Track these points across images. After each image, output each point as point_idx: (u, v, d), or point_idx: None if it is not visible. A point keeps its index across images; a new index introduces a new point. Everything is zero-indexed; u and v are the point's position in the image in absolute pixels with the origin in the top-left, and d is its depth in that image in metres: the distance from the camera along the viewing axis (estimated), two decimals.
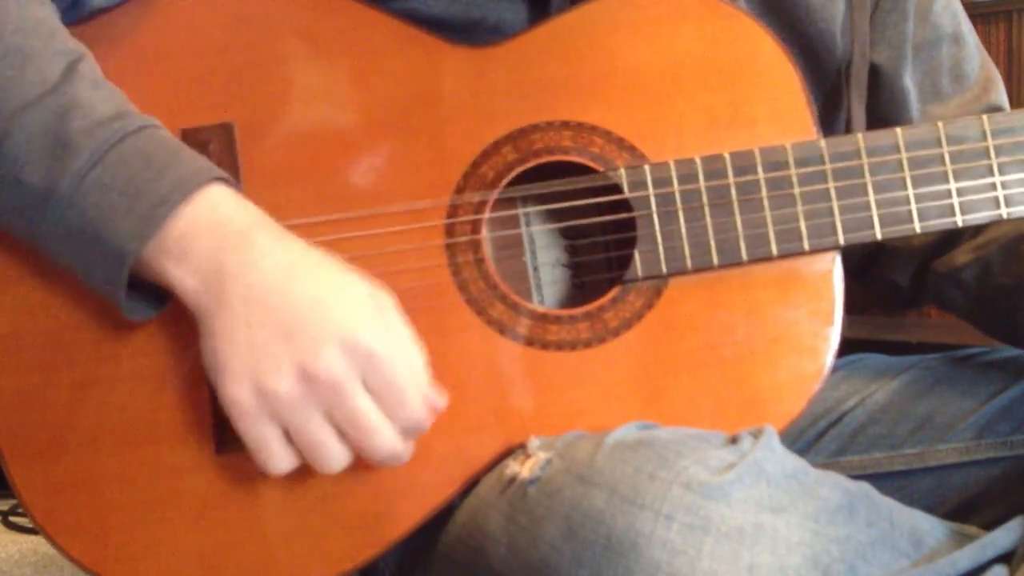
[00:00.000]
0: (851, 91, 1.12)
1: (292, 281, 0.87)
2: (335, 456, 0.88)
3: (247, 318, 0.87)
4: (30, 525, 2.05)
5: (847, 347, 1.05)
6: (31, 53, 0.89)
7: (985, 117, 1.00)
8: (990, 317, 1.15)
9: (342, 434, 0.88)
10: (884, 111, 1.15)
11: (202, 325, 0.89)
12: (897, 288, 1.21)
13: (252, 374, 0.86)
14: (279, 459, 0.88)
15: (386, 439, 0.88)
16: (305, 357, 0.86)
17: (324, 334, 0.86)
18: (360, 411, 0.87)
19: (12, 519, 2.11)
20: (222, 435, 0.95)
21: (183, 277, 0.88)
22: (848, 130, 1.11)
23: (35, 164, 0.87)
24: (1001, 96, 1.18)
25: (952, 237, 1.15)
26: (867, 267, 1.21)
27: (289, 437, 0.88)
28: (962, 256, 1.15)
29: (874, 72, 1.15)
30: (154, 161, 0.88)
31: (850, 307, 1.04)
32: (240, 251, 0.88)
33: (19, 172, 0.88)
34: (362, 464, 0.91)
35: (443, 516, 0.96)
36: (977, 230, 1.13)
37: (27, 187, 0.88)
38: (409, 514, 0.95)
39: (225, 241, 0.88)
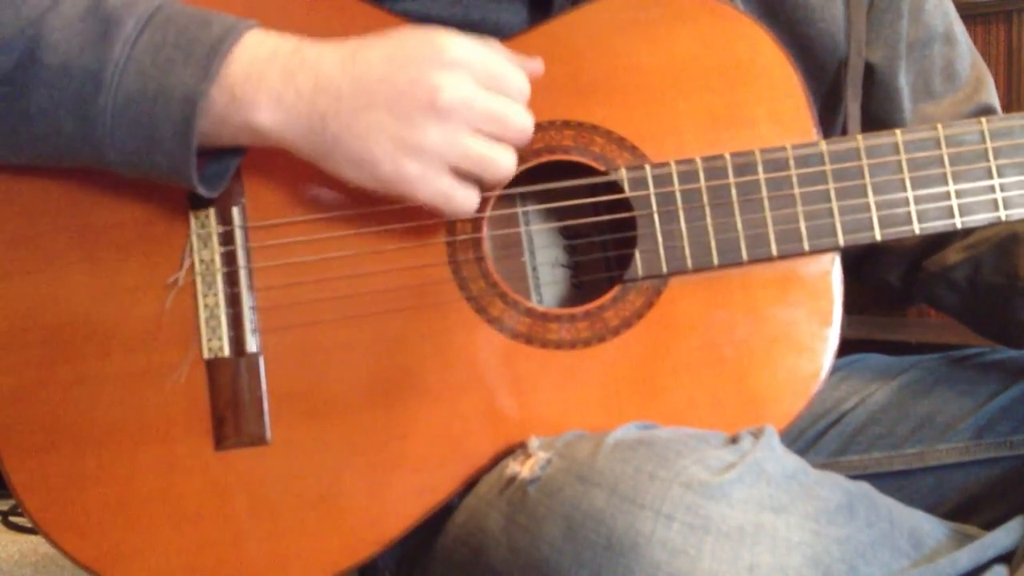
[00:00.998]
0: (847, 90, 1.12)
1: (357, 62, 0.91)
2: (503, 157, 0.93)
3: (352, 112, 0.90)
4: (30, 525, 2.05)
5: (847, 347, 1.05)
6: None
7: (984, 120, 1.01)
8: (980, 316, 1.16)
9: (491, 134, 0.92)
10: (877, 110, 1.15)
11: (316, 150, 0.91)
12: (889, 287, 1.21)
13: (399, 148, 0.90)
14: (466, 198, 0.93)
15: (520, 115, 0.93)
16: (422, 99, 0.90)
17: (420, 72, 0.90)
18: (492, 106, 0.92)
19: (12, 519, 2.12)
20: (220, 432, 0.95)
21: (268, 118, 0.90)
22: (845, 129, 1.11)
23: (81, 45, 0.89)
24: (992, 95, 1.18)
25: (944, 237, 1.15)
26: (859, 265, 1.21)
27: (459, 171, 0.92)
28: (953, 255, 1.15)
29: (869, 71, 1.15)
30: (197, 15, 0.91)
31: (850, 307, 1.05)
32: (302, 69, 0.91)
33: (66, 57, 0.89)
34: (362, 461, 0.91)
35: (443, 516, 0.96)
36: (969, 229, 1.13)
37: (77, 69, 0.89)
38: (408, 513, 0.95)
39: (286, 65, 0.91)
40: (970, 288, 1.14)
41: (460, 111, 0.90)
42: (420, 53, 0.91)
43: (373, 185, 0.91)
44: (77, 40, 0.89)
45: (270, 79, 0.90)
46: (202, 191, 0.92)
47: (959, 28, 1.19)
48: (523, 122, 0.93)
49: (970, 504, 1.09)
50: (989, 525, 0.90)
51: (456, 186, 0.92)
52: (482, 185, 0.94)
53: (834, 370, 1.01)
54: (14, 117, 0.91)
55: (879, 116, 1.14)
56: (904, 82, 1.15)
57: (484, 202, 0.98)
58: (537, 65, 0.96)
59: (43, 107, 0.90)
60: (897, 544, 0.86)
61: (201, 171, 0.91)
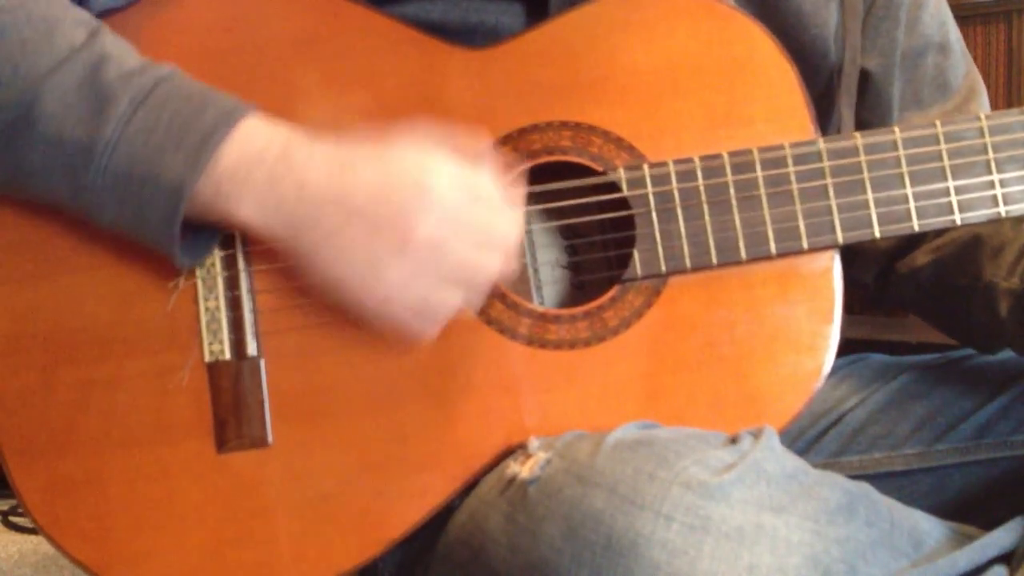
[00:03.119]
0: (841, 96, 1.12)
1: (345, 179, 0.90)
2: (462, 301, 0.92)
3: (328, 232, 0.90)
4: (30, 525, 2.05)
5: (847, 347, 1.05)
6: (54, 20, 0.91)
7: (983, 115, 1.01)
8: (946, 316, 1.16)
9: (455, 281, 0.91)
10: (868, 116, 1.15)
11: (292, 250, 0.91)
12: (863, 287, 1.22)
13: (363, 274, 0.90)
14: (424, 329, 0.93)
15: (492, 266, 0.92)
16: (399, 237, 0.89)
17: (400, 207, 0.90)
18: (465, 258, 0.91)
19: (12, 519, 2.12)
20: (222, 434, 0.95)
21: (249, 215, 0.90)
22: (837, 132, 1.11)
23: (75, 118, 0.89)
24: (983, 106, 1.18)
25: (915, 239, 1.16)
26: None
27: (417, 309, 0.92)
28: (922, 257, 1.15)
29: (864, 78, 1.15)
30: (192, 100, 0.90)
31: (850, 307, 1.05)
32: (288, 176, 0.90)
33: (59, 129, 0.89)
34: (363, 462, 0.91)
35: (443, 516, 0.96)
36: (939, 232, 1.14)
37: (70, 142, 0.89)
38: (409, 514, 0.96)
39: (273, 169, 0.90)
40: (936, 289, 1.14)
41: (429, 256, 0.90)
42: (406, 187, 0.90)
43: (338, 301, 0.92)
44: (72, 112, 0.89)
45: (255, 180, 0.90)
46: (184, 263, 0.93)
47: (955, 36, 1.19)
48: (489, 276, 0.92)
49: (970, 504, 1.09)
50: (989, 525, 0.90)
51: (412, 320, 0.92)
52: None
53: (834, 370, 1.01)
54: (10, 171, 0.92)
55: (868, 122, 1.14)
56: (895, 91, 1.16)
57: None
58: (519, 195, 0.95)
59: (36, 170, 0.90)
60: (897, 544, 0.86)
61: (186, 239, 0.92)
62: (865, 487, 0.89)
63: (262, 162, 0.90)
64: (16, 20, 0.90)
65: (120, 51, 0.92)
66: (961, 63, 1.18)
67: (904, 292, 1.18)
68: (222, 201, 0.90)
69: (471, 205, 0.91)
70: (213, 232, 0.94)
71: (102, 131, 0.88)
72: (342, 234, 0.90)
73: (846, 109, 1.12)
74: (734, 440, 0.88)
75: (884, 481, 1.08)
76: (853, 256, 1.18)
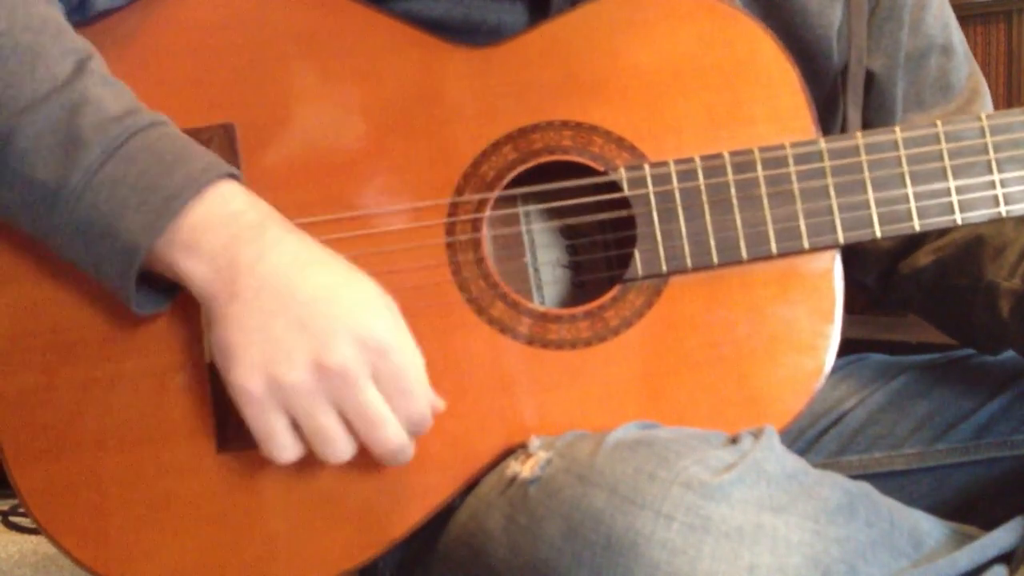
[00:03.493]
0: (847, 96, 1.12)
1: (304, 273, 0.88)
2: (341, 447, 0.88)
3: (260, 308, 0.87)
4: (30, 525, 2.06)
5: (847, 347, 1.05)
6: (40, 51, 0.89)
7: (983, 115, 1.00)
8: (948, 317, 1.16)
9: (349, 425, 0.88)
10: (871, 116, 1.15)
11: (212, 314, 0.89)
12: (864, 288, 1.22)
13: (264, 364, 0.87)
14: (285, 448, 0.89)
15: (392, 432, 0.89)
16: (318, 348, 0.86)
17: (337, 325, 0.87)
18: (369, 402, 0.87)
19: (12, 519, 2.12)
20: (223, 433, 0.95)
21: (194, 268, 0.88)
22: (843, 132, 1.11)
23: (45, 160, 0.88)
24: (986, 107, 1.18)
25: (917, 239, 1.16)
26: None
27: (296, 427, 0.88)
28: (923, 257, 1.15)
29: (868, 79, 1.15)
30: (165, 157, 0.89)
31: (850, 307, 1.05)
32: (252, 244, 0.88)
33: (29, 168, 0.88)
34: (363, 462, 0.91)
35: (444, 516, 0.96)
36: (941, 232, 1.13)
37: (37, 183, 0.88)
38: (410, 514, 0.96)
39: (238, 235, 0.88)
40: (938, 289, 1.14)
41: (335, 382, 0.86)
42: (351, 310, 0.88)
43: (224, 376, 0.89)
44: (43, 154, 0.88)
45: (215, 236, 0.88)
46: (143, 313, 0.92)
47: (958, 38, 1.19)
48: (389, 437, 0.89)
49: (970, 504, 1.09)
50: (989, 525, 0.90)
51: (281, 434, 0.88)
52: (308, 449, 0.90)
53: (834, 370, 1.01)
54: None
55: (871, 123, 1.14)
56: (899, 92, 1.16)
57: (483, 203, 0.99)
58: (440, 406, 0.92)
59: (5, 203, 0.90)
60: (897, 544, 0.86)
61: (141, 292, 0.91)
62: (865, 487, 0.89)
63: (229, 224, 0.88)
64: (2, 48, 0.88)
65: (104, 92, 0.90)
66: (964, 65, 1.18)
67: (906, 293, 1.18)
68: (173, 251, 0.88)
69: (406, 364, 0.89)
70: (171, 290, 0.93)
71: (69, 178, 0.87)
72: (264, 319, 0.87)
73: (852, 109, 1.12)
74: (734, 440, 0.88)
75: (884, 481, 1.08)
76: (854, 257, 1.18)
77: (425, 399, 0.90)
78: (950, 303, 1.13)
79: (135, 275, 0.88)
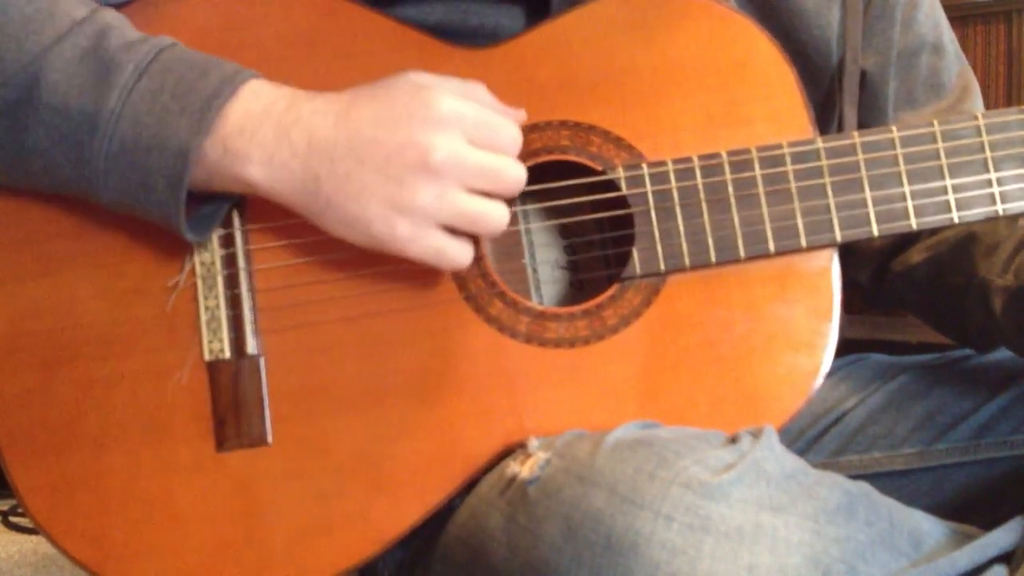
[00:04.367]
0: (843, 96, 1.12)
1: (352, 118, 0.91)
2: (496, 212, 0.93)
3: (345, 173, 0.90)
4: (30, 525, 2.05)
5: (847, 347, 1.05)
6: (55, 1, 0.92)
7: (979, 114, 1.01)
8: (941, 315, 1.16)
9: (483, 190, 0.92)
10: (863, 115, 1.15)
11: (308, 206, 0.92)
12: (857, 287, 1.22)
13: (391, 209, 0.90)
14: (460, 252, 0.93)
15: (511, 170, 0.94)
16: (414, 158, 0.90)
17: (412, 131, 0.91)
18: (483, 162, 0.92)
19: (12, 519, 2.12)
20: (222, 433, 0.95)
21: (262, 171, 0.91)
22: (839, 132, 1.11)
23: (79, 87, 0.89)
24: (977, 105, 1.18)
25: (910, 237, 1.16)
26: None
27: (451, 228, 0.92)
28: (916, 255, 1.15)
29: (861, 77, 1.15)
30: (196, 65, 0.91)
31: (849, 307, 1.05)
32: (296, 125, 0.91)
33: (63, 99, 0.89)
34: (363, 464, 0.91)
35: (444, 516, 0.96)
36: (933, 231, 1.14)
37: (74, 111, 0.89)
38: (409, 513, 0.95)
39: (280, 121, 0.91)
40: (931, 287, 1.14)
41: (451, 169, 0.90)
42: (410, 111, 0.91)
43: (367, 243, 0.92)
44: (76, 82, 0.89)
45: (263, 135, 0.91)
46: (190, 237, 0.93)
47: (948, 37, 1.19)
48: (515, 174, 0.93)
49: (970, 504, 1.09)
50: (989, 525, 0.90)
51: (449, 242, 0.92)
52: (476, 238, 0.94)
53: (834, 370, 1.01)
54: (12, 151, 0.92)
55: (863, 122, 1.14)
56: (890, 90, 1.16)
57: None
58: (521, 115, 0.97)
59: (40, 145, 0.91)
60: (897, 544, 0.86)
61: (191, 214, 0.92)
62: (865, 487, 0.89)
63: (268, 116, 0.91)
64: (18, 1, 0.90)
65: (121, 24, 0.93)
66: (954, 63, 1.18)
67: (899, 291, 1.18)
68: (230, 161, 0.90)
69: (476, 111, 0.92)
70: (219, 205, 0.95)
71: (106, 99, 0.89)
72: (358, 175, 0.90)
73: (848, 109, 1.12)
74: (734, 440, 0.88)
75: (884, 481, 1.08)
76: (848, 256, 1.18)
77: (511, 125, 0.94)
78: (943, 301, 1.14)
79: (187, 183, 0.90)
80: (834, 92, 1.13)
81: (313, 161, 0.91)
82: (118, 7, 0.99)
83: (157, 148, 0.89)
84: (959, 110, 1.16)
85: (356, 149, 0.91)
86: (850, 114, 1.12)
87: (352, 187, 0.90)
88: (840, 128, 1.12)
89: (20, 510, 2.11)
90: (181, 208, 0.91)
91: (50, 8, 0.91)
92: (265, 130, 0.91)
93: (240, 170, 0.91)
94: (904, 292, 1.18)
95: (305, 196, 0.91)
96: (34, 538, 2.01)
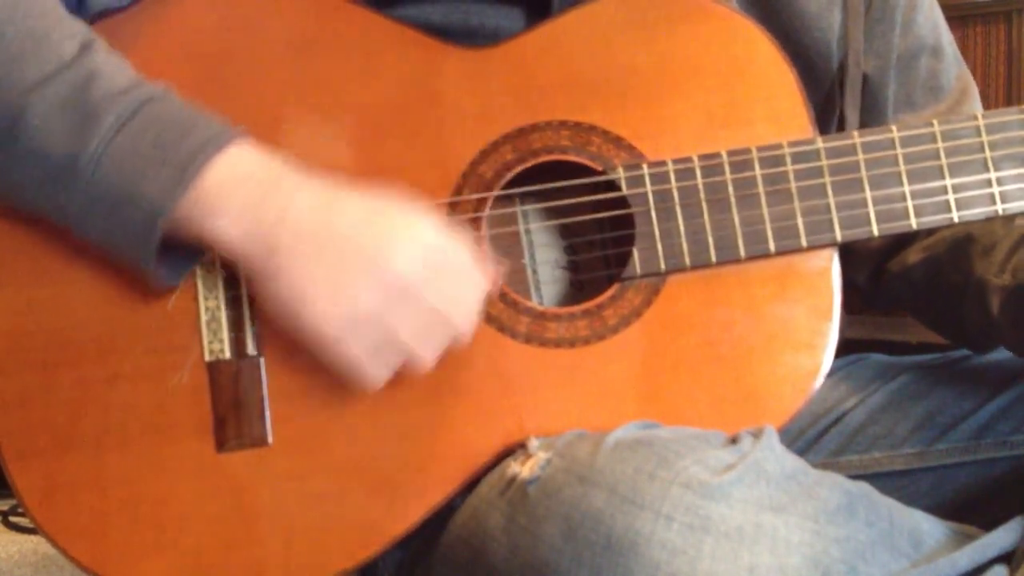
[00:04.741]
0: (845, 98, 1.12)
1: (333, 209, 0.90)
2: (426, 356, 0.92)
3: (303, 255, 0.89)
4: (30, 525, 2.05)
5: (847, 347, 1.05)
6: (44, 34, 0.90)
7: (979, 114, 1.01)
8: (939, 314, 1.16)
9: (427, 329, 0.91)
10: (863, 117, 1.15)
11: (255, 272, 0.91)
12: (855, 287, 1.22)
13: (330, 304, 0.89)
14: (377, 374, 0.92)
15: (464, 321, 0.92)
16: (375, 270, 0.89)
17: (382, 244, 0.90)
18: (439, 305, 0.90)
19: (12, 519, 2.12)
20: (221, 433, 0.95)
21: (226, 230, 0.89)
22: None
23: (59, 134, 0.88)
24: (975, 107, 1.18)
25: (906, 238, 1.16)
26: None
27: (377, 349, 0.90)
28: (913, 255, 1.15)
29: (862, 80, 1.15)
30: (180, 121, 0.90)
31: (849, 307, 1.05)
32: (274, 196, 0.90)
33: (42, 144, 0.89)
34: (363, 464, 0.91)
35: (444, 516, 0.96)
36: (930, 231, 1.14)
37: (52, 158, 0.89)
38: (409, 512, 0.95)
39: (259, 190, 0.90)
40: (928, 287, 1.14)
41: (404, 294, 0.89)
42: (391, 226, 0.90)
43: (291, 328, 0.91)
44: (56, 128, 0.88)
45: (238, 198, 0.89)
46: (164, 283, 0.93)
47: (947, 39, 1.20)
48: (462, 327, 0.92)
49: (970, 504, 1.09)
50: (989, 525, 0.90)
51: (368, 361, 0.91)
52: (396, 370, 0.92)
53: (834, 370, 1.01)
54: None
55: (863, 124, 1.15)
56: (890, 92, 1.16)
57: (482, 202, 0.99)
58: (497, 276, 0.95)
59: (19, 183, 0.91)
60: (897, 544, 0.86)
61: (164, 259, 0.91)
62: (865, 487, 0.89)
63: (246, 183, 0.90)
64: (5, 32, 0.89)
65: (110, 68, 0.91)
66: (953, 66, 1.19)
67: (897, 291, 1.18)
68: (197, 215, 0.89)
69: (453, 253, 0.91)
70: (192, 252, 0.94)
71: (86, 147, 0.88)
72: (315, 260, 0.89)
73: (851, 111, 1.12)
74: (734, 440, 0.89)
75: (884, 481, 1.08)
76: (844, 256, 1.18)
77: (478, 283, 0.93)
78: (940, 300, 1.14)
79: (157, 241, 0.89)
80: (834, 94, 1.13)
81: (277, 232, 0.89)
82: (116, 9, 0.99)
83: (130, 204, 0.88)
84: (957, 112, 1.16)
85: (323, 238, 0.89)
86: (852, 117, 1.13)
87: (304, 268, 0.89)
88: (841, 130, 1.12)
89: (20, 510, 2.11)
90: (151, 261, 0.90)
91: (38, 44, 0.90)
92: (238, 195, 0.89)
93: (202, 225, 0.89)
94: (901, 292, 1.18)
95: (256, 262, 0.90)
96: (34, 538, 2.01)
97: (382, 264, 0.89)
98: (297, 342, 0.95)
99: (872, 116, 1.15)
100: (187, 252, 0.94)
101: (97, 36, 0.93)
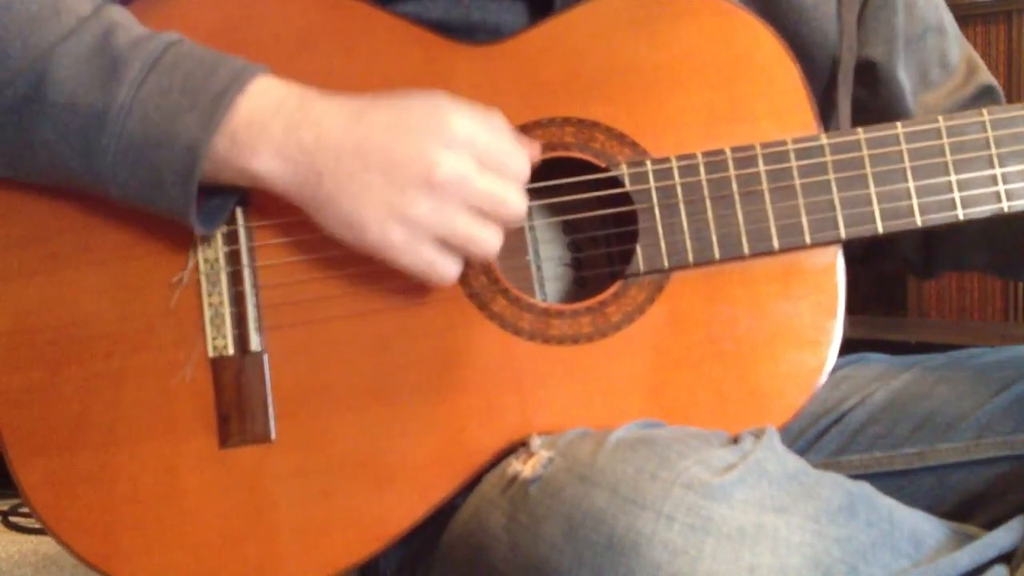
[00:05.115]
0: (839, 86, 1.12)
1: (364, 122, 0.92)
2: (490, 238, 0.93)
3: (349, 173, 0.90)
4: (30, 525, 2.06)
5: (847, 347, 1.05)
6: None
7: (985, 110, 1.01)
8: (1008, 255, 1.14)
9: (483, 214, 0.92)
10: (884, 104, 1.16)
11: (309, 202, 0.92)
12: (909, 262, 1.21)
13: (387, 213, 0.90)
14: (448, 269, 0.93)
15: (516, 200, 0.93)
16: (419, 171, 0.90)
17: (421, 144, 0.91)
18: (488, 187, 0.92)
19: (12, 519, 2.12)
20: (225, 430, 0.95)
21: (264, 162, 0.91)
22: (837, 126, 1.11)
23: (87, 84, 0.89)
24: (987, 75, 1.19)
25: None
26: (876, 249, 1.21)
27: (444, 245, 0.92)
28: None
29: (871, 67, 1.16)
30: (205, 61, 0.91)
31: (851, 307, 1.05)
32: (305, 123, 0.91)
33: (71, 96, 0.90)
34: (365, 461, 0.91)
35: (446, 515, 0.96)
36: None
37: (83, 108, 0.89)
38: (411, 510, 0.96)
39: (290, 118, 0.91)
40: (991, 240, 1.13)
41: (454, 188, 0.91)
42: (424, 125, 0.92)
43: (358, 246, 0.92)
44: (84, 79, 0.89)
45: (272, 129, 0.91)
46: (199, 230, 0.93)
47: (948, 18, 1.21)
48: (516, 205, 0.93)
49: (970, 504, 1.09)
50: (989, 525, 0.90)
51: (439, 258, 0.92)
52: (467, 260, 0.94)
53: (834, 370, 1.01)
54: (19, 146, 0.92)
55: (886, 111, 1.15)
56: (904, 75, 1.16)
57: None
58: (536, 149, 0.97)
59: (48, 140, 0.91)
60: (897, 544, 0.86)
61: (200, 207, 0.92)
62: (865, 487, 0.89)
63: (278, 112, 0.91)
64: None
65: (127, 19, 0.93)
66: (956, 41, 1.20)
67: (959, 255, 1.17)
68: (237, 153, 0.90)
69: (489, 137, 0.92)
70: (228, 196, 0.95)
71: (115, 95, 0.89)
72: (361, 177, 0.90)
73: (843, 99, 1.12)
74: (735, 440, 0.89)
75: (884, 481, 1.08)
76: (886, 243, 1.17)
77: (521, 157, 0.94)
78: (1014, 248, 1.12)
79: (197, 178, 0.90)
80: (835, 84, 1.13)
81: (319, 158, 0.91)
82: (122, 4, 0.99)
83: (167, 144, 0.89)
84: (975, 83, 1.17)
85: (363, 152, 0.91)
86: (844, 105, 1.13)
87: (353, 187, 0.90)
88: (836, 121, 1.12)
89: (21, 510, 2.12)
90: (192, 203, 0.91)
91: (55, 4, 0.91)
92: (274, 125, 0.91)
93: (246, 163, 0.91)
94: (966, 255, 1.17)
95: (306, 191, 0.91)
96: (34, 538, 2.01)
97: (428, 164, 0.90)
98: (300, 338, 0.95)
99: (890, 102, 1.16)
100: (222, 198, 0.94)
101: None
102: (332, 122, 0.91)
